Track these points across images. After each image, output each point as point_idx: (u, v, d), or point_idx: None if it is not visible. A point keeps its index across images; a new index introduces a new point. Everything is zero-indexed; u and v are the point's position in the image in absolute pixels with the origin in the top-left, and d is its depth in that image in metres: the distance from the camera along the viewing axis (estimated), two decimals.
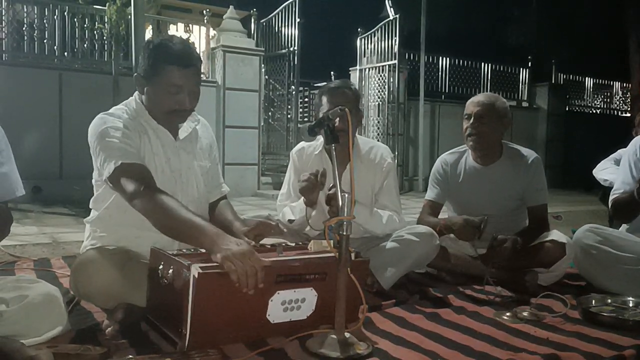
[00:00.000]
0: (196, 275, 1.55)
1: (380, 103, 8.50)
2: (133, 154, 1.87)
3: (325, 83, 2.58)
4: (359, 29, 8.79)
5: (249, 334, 1.72)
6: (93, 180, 2.02)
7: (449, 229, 2.57)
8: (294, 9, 7.55)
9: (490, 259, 2.51)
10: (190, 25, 7.27)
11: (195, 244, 1.73)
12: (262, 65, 7.42)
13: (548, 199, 2.77)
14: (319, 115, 2.38)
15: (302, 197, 2.29)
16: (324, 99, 2.42)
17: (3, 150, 1.69)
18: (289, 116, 8.00)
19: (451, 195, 2.85)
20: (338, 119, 1.92)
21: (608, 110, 12.87)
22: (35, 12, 6.15)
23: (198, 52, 1.94)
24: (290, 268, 1.73)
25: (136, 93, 2.05)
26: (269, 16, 8.07)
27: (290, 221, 2.37)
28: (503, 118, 2.69)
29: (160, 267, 1.70)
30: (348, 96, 2.40)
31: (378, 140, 6.93)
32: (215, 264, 1.59)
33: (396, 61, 8.14)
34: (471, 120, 2.67)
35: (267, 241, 2.00)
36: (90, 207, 2.06)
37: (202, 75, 6.95)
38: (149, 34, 6.61)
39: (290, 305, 1.75)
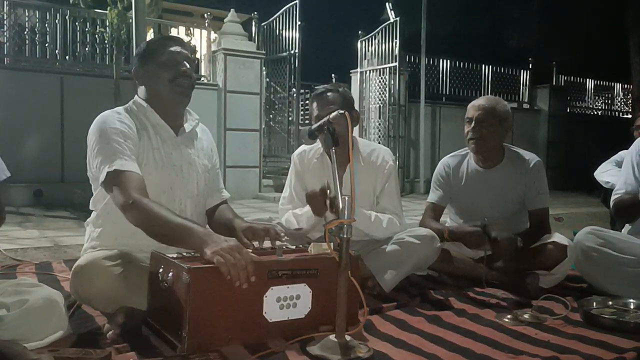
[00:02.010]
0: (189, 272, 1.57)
1: (381, 105, 8.52)
2: (128, 159, 1.88)
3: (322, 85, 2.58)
4: (359, 32, 8.82)
5: (249, 335, 1.72)
6: (90, 180, 2.03)
7: (455, 239, 2.59)
8: (294, 12, 7.58)
9: (491, 260, 2.52)
10: (192, 29, 7.29)
11: (185, 246, 1.76)
12: (263, 68, 7.44)
13: (549, 202, 2.77)
14: (313, 121, 2.39)
15: (309, 206, 2.32)
16: (314, 105, 2.44)
17: None
18: (290, 119, 8.02)
19: (453, 198, 2.86)
20: (337, 122, 1.92)
21: (609, 112, 12.87)
22: (37, 16, 6.18)
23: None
24: (281, 264, 1.77)
25: (136, 95, 2.10)
26: (270, 19, 8.10)
27: (297, 229, 2.39)
28: (504, 122, 2.68)
29: (160, 270, 1.71)
30: (336, 99, 2.40)
31: (379, 143, 6.95)
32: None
33: (397, 63, 8.16)
34: (472, 124, 2.67)
35: (267, 243, 2.01)
36: (90, 208, 2.07)
37: (203, 79, 7.02)
38: (150, 37, 6.63)
39: (285, 302, 1.77)
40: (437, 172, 2.89)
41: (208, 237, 1.69)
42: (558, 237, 2.60)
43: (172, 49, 2.03)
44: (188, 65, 2.04)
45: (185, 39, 7.21)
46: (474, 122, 2.67)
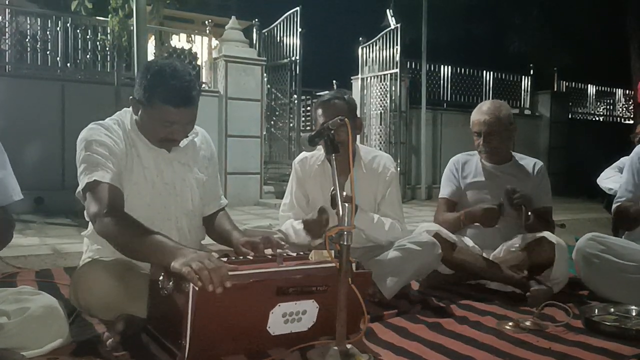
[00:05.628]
0: (196, 287, 1.54)
1: (382, 112, 8.51)
2: (109, 173, 1.85)
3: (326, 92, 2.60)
4: (360, 38, 8.83)
5: (249, 346, 1.71)
6: None
7: (472, 219, 2.67)
8: (295, 19, 7.60)
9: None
10: (193, 36, 7.30)
11: (154, 260, 1.71)
12: (264, 75, 7.44)
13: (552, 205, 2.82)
14: (317, 127, 2.39)
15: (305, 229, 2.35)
16: (319, 112, 2.43)
17: None
18: (291, 125, 8.02)
19: (463, 192, 2.91)
20: (337, 129, 1.92)
21: (610, 118, 12.86)
22: (38, 23, 6.19)
23: (197, 87, 1.89)
24: (292, 281, 1.71)
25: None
26: (271, 26, 8.12)
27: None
28: (509, 125, 2.79)
29: (161, 278, 1.70)
30: (341, 106, 2.41)
31: (380, 149, 6.95)
32: None
33: (398, 70, 8.16)
34: (481, 138, 2.77)
35: (267, 250, 2.00)
36: (87, 219, 2.06)
37: (204, 85, 7.03)
38: (151, 44, 6.65)
39: (291, 317, 1.74)
40: (448, 168, 2.98)
41: (177, 250, 1.62)
42: (547, 234, 2.61)
43: (172, 109, 1.85)
44: (185, 122, 1.92)
45: (186, 45, 7.23)
46: (482, 136, 2.76)
